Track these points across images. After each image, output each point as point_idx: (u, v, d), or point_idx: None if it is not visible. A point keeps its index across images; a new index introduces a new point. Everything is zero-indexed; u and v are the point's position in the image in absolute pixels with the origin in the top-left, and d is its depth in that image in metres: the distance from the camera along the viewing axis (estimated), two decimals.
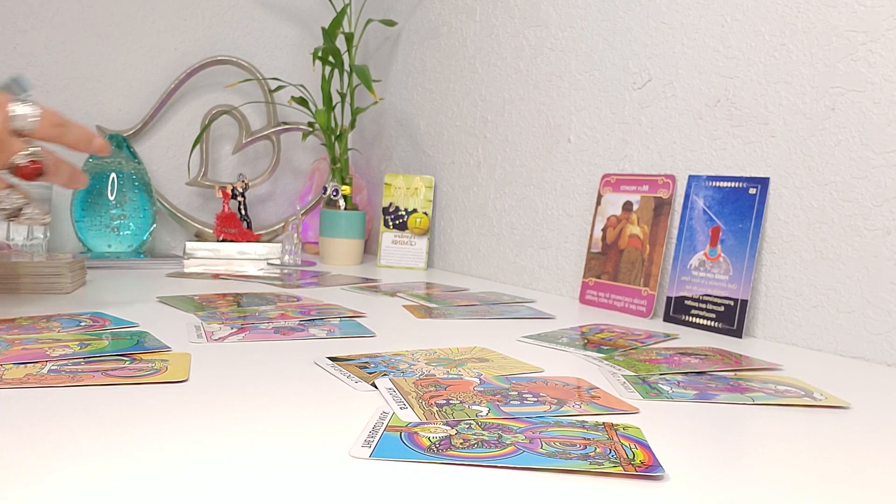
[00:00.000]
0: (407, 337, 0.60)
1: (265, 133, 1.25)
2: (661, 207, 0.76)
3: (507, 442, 0.34)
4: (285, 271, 1.01)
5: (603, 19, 0.84)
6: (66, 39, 1.14)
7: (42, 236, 0.92)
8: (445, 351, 0.54)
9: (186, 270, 0.97)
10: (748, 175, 0.69)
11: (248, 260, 1.14)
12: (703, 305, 0.69)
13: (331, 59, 1.11)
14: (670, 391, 0.46)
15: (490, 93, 1.02)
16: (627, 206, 0.80)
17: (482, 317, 0.70)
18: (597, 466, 0.32)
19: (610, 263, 0.80)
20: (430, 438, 0.34)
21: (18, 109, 0.48)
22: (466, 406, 0.40)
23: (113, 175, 1.06)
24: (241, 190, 1.18)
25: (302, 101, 1.13)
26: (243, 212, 1.19)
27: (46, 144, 0.52)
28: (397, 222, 1.13)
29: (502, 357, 0.53)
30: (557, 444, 0.34)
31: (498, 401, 0.41)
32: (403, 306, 0.75)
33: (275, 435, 0.35)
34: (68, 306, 0.66)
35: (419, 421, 0.37)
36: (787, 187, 0.66)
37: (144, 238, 1.10)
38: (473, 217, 1.05)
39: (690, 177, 0.73)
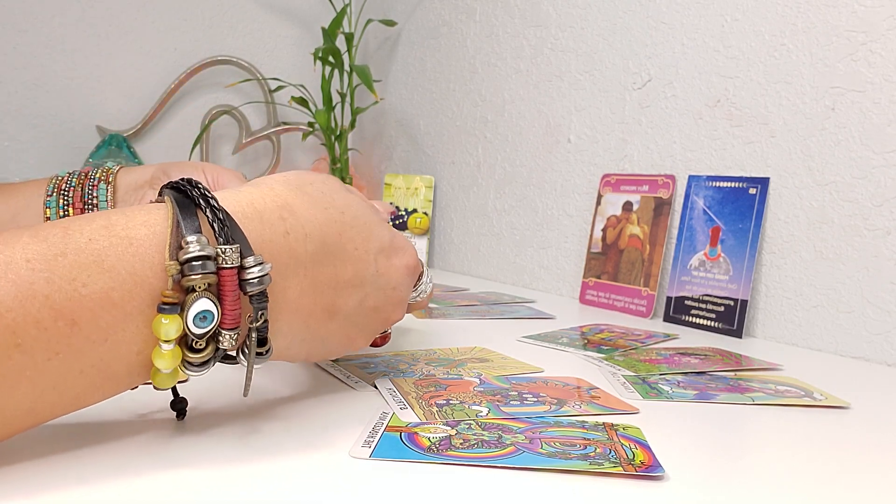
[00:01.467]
0: (407, 337, 0.60)
1: (265, 133, 1.25)
2: (661, 207, 0.76)
3: (507, 442, 0.34)
4: None
5: (603, 19, 0.84)
6: (66, 39, 1.14)
7: None
8: (445, 351, 0.54)
9: None
10: (748, 175, 0.69)
11: None
12: (703, 305, 0.69)
13: (331, 59, 1.11)
14: (670, 391, 0.46)
15: (490, 93, 1.02)
16: (627, 206, 0.80)
17: (482, 317, 0.70)
18: (597, 466, 0.32)
19: (610, 263, 0.80)
20: (430, 438, 0.34)
21: (427, 287, 0.46)
22: (466, 406, 0.40)
23: None
24: None
25: (302, 101, 1.13)
26: None
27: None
28: (397, 222, 1.13)
29: (502, 357, 0.53)
30: (557, 444, 0.34)
31: (498, 401, 0.41)
32: None
33: (274, 435, 0.35)
34: None
35: (419, 421, 0.37)
36: (787, 187, 0.66)
37: None
38: (473, 217, 1.05)
39: (690, 177, 0.73)
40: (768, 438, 0.39)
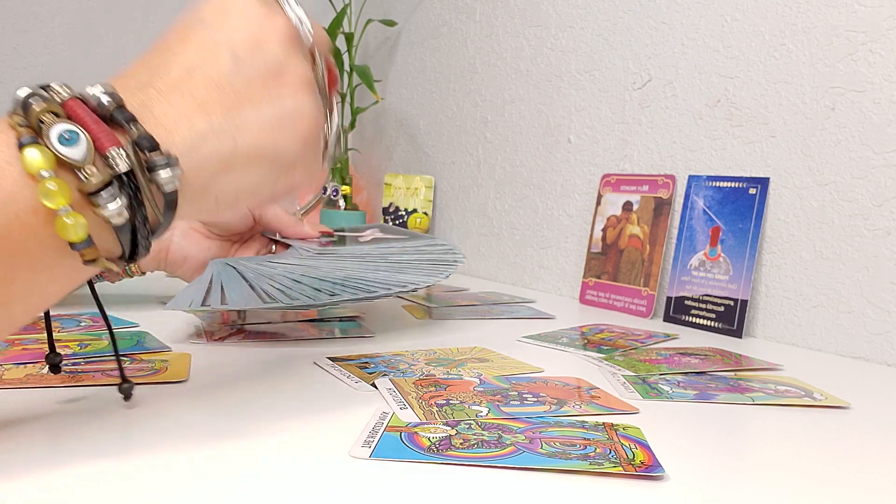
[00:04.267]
0: (407, 337, 0.60)
1: None
2: (661, 207, 0.76)
3: (507, 442, 0.34)
4: None
5: (603, 19, 0.84)
6: (66, 39, 1.14)
7: None
8: (445, 351, 0.54)
9: None
10: (748, 175, 0.69)
11: None
12: (703, 305, 0.69)
13: None
14: (670, 391, 0.46)
15: (490, 93, 1.02)
16: (627, 206, 0.80)
17: (482, 317, 0.70)
18: (597, 466, 0.32)
19: (610, 263, 0.80)
20: (430, 438, 0.34)
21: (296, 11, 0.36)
22: (466, 406, 0.40)
23: None
24: None
25: None
26: None
27: None
28: (397, 222, 1.13)
29: (502, 357, 0.53)
30: (557, 444, 0.34)
31: (498, 401, 0.41)
32: (403, 306, 0.75)
33: (274, 435, 0.35)
34: (68, 306, 0.66)
35: (419, 421, 0.37)
36: (787, 187, 0.66)
37: None
38: (473, 217, 1.05)
39: (690, 177, 0.73)
40: (768, 438, 0.39)
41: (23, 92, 0.29)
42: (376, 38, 1.30)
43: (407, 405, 0.40)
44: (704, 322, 0.69)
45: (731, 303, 0.67)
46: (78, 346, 0.50)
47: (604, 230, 0.82)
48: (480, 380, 0.46)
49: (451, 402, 0.41)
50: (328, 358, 0.50)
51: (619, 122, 0.82)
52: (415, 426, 0.36)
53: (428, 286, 0.58)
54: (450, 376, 0.46)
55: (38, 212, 0.27)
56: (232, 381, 0.44)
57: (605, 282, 0.81)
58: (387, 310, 0.72)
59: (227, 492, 0.28)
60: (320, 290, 0.54)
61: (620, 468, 0.32)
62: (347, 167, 1.18)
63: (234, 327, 0.60)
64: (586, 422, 0.38)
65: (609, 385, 0.47)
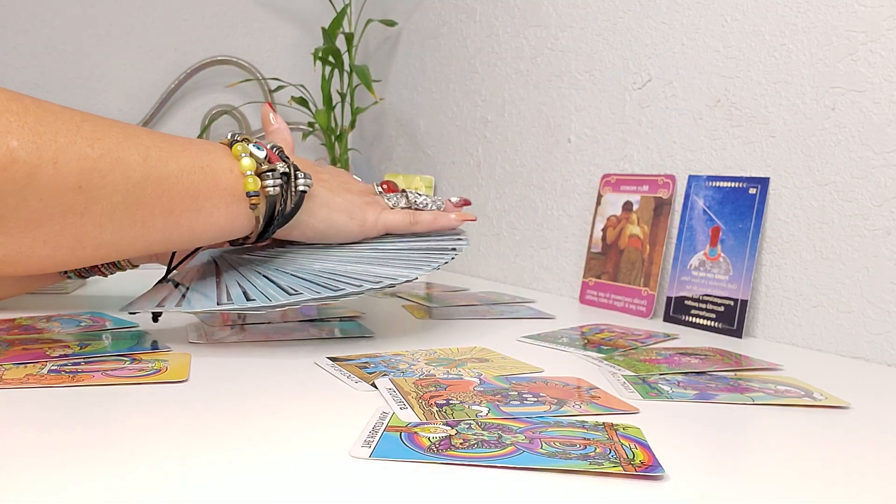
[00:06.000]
0: (407, 337, 0.60)
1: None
2: (661, 207, 0.76)
3: (507, 442, 0.34)
4: None
5: (603, 19, 0.84)
6: (66, 39, 1.14)
7: None
8: (445, 351, 0.54)
9: None
10: (748, 175, 0.69)
11: None
12: (703, 305, 0.69)
13: (331, 59, 1.11)
14: (670, 391, 0.46)
15: (490, 93, 1.02)
16: (627, 206, 0.80)
17: (482, 317, 0.70)
18: (597, 466, 0.32)
19: (610, 263, 0.80)
20: (430, 438, 0.34)
21: (413, 198, 0.65)
22: (466, 406, 0.40)
23: None
24: None
25: (302, 101, 1.13)
26: None
27: None
28: None
29: (502, 357, 0.53)
30: (557, 444, 0.34)
31: (498, 401, 0.41)
32: (403, 306, 0.75)
33: (274, 435, 0.35)
34: (68, 306, 0.67)
35: (419, 421, 0.37)
36: (787, 187, 0.66)
37: None
38: None
39: (690, 177, 0.73)
40: (768, 438, 0.39)
41: (229, 135, 0.54)
42: (376, 38, 1.30)
43: (407, 405, 0.40)
44: (704, 322, 0.69)
45: (731, 303, 0.67)
46: (78, 346, 0.50)
47: (604, 230, 0.82)
48: (480, 380, 0.46)
49: (451, 402, 0.41)
50: (328, 358, 0.50)
51: (619, 122, 0.82)
52: (415, 426, 0.36)
53: (408, 281, 0.55)
54: (450, 376, 0.46)
55: (232, 171, 0.50)
56: (232, 381, 0.44)
57: (605, 282, 0.81)
58: (387, 310, 0.72)
59: (227, 492, 0.28)
60: (283, 289, 0.52)
61: (620, 468, 0.32)
62: (347, 167, 1.18)
63: (234, 327, 0.60)
64: (586, 422, 0.38)
65: (609, 385, 0.47)
